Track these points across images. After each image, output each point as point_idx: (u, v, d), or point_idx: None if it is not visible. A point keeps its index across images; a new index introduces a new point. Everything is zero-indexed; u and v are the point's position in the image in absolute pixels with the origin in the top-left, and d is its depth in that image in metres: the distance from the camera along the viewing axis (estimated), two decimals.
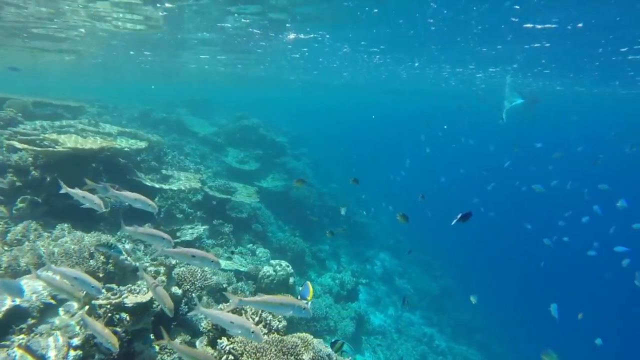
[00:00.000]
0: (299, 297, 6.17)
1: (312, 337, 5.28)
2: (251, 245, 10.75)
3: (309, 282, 6.27)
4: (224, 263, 8.31)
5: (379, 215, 26.14)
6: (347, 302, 12.85)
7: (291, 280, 8.46)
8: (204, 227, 9.49)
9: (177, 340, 5.11)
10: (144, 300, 4.39)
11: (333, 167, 29.48)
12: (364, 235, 20.56)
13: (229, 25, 14.33)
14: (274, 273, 8.02)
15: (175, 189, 9.18)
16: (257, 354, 4.11)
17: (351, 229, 19.94)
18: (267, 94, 59.65)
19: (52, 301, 4.68)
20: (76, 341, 4.06)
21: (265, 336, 4.54)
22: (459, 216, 6.29)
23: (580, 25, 11.69)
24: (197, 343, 4.74)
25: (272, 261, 8.53)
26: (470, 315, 19.92)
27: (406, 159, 25.16)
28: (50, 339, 4.08)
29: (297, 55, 21.36)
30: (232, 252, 10.24)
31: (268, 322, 4.92)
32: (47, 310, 4.57)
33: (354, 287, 13.25)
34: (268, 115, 27.50)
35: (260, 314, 5.01)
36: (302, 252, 13.92)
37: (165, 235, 4.59)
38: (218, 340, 4.54)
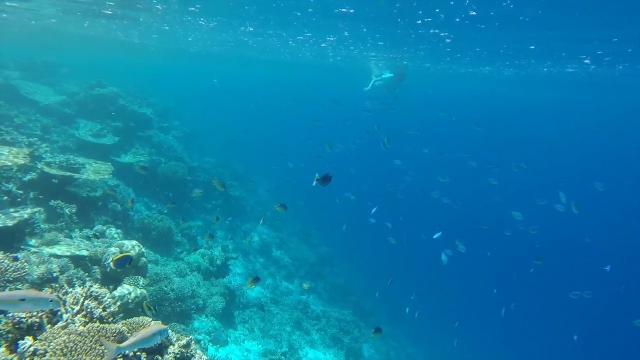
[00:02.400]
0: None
1: (149, 320, 4.82)
2: (102, 226, 9.59)
3: (125, 255, 5.84)
4: (58, 250, 7.21)
5: (256, 188, 25.93)
6: (218, 278, 12.47)
7: (143, 260, 7.75)
8: (35, 209, 8.11)
9: None
10: None
11: (209, 141, 28.22)
12: (240, 209, 20.18)
13: None
14: (121, 255, 7.22)
15: None
16: (66, 350, 3.53)
17: (227, 203, 19.40)
18: (129, 60, 54.09)
19: None
20: None
21: (82, 327, 3.95)
22: (317, 176, 6.09)
23: None
24: None
25: (119, 242, 7.68)
26: (346, 279, 21.20)
27: (280, 132, 25.24)
28: None
29: (109, 12, 19.66)
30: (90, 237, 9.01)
31: (90, 310, 4.32)
32: None
33: (224, 262, 12.89)
34: (132, 85, 24.86)
35: (82, 303, 4.37)
36: (170, 230, 13.02)
37: None
38: (19, 342, 3.81)
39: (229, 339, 11.44)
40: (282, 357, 11.20)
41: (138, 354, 4.36)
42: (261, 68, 44.06)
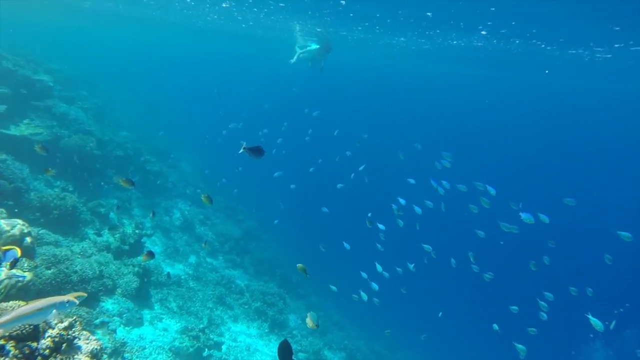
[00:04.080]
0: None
1: (19, 304, 4.30)
2: None
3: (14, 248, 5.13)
4: None
5: (179, 163, 24.79)
6: (131, 257, 11.75)
7: (28, 241, 6.96)
8: None
9: None
10: None
11: (126, 114, 26.24)
12: (159, 185, 19.13)
13: None
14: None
15: None
16: None
17: (144, 179, 18.25)
18: (18, 19, 47.72)
19: None
20: None
21: None
22: (243, 145, 5.80)
23: None
24: None
25: None
26: (273, 253, 21.16)
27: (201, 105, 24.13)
28: None
29: None
30: None
31: None
32: None
33: (138, 240, 12.15)
34: (28, 48, 22.08)
35: None
36: (75, 208, 11.93)
37: None
38: None
39: (143, 319, 10.90)
40: (200, 333, 10.91)
41: (2, 343, 3.88)
42: (177, 35, 41.51)
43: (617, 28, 14.54)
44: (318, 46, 23.65)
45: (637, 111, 36.18)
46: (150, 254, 8.13)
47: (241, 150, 5.79)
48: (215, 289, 14.58)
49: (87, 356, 4.36)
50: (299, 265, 7.47)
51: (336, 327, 18.17)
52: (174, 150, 26.79)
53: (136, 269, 11.27)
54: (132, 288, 10.79)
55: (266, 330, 14.09)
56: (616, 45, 16.71)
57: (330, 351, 15.98)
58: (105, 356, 7.92)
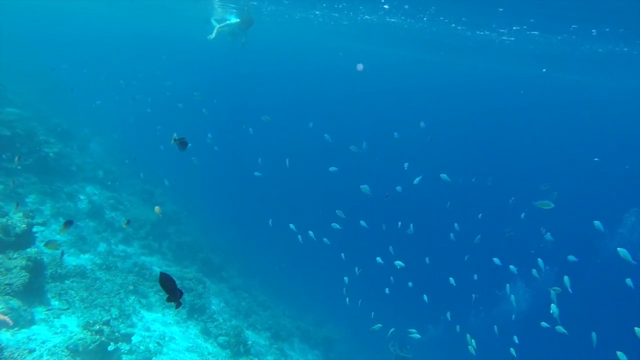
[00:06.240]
0: None
1: None
2: None
3: None
4: None
5: (88, 144, 22.67)
6: (17, 249, 10.40)
7: None
8: None
9: None
10: None
11: (17, 89, 23.29)
12: (61, 168, 17.29)
13: None
14: None
15: None
16: None
17: (41, 162, 16.34)
18: None
19: None
20: None
21: None
22: (174, 136, 5.80)
23: None
24: None
25: None
26: (194, 237, 20.25)
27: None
28: None
29: None
30: None
31: None
32: None
33: (27, 230, 10.79)
34: None
35: None
36: None
37: None
38: None
39: (35, 318, 9.76)
40: (104, 326, 10.00)
41: None
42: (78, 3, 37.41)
43: (501, 9, 14.74)
44: (238, 20, 22.41)
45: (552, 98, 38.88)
46: (69, 224, 8.00)
47: (172, 142, 5.83)
48: (127, 277, 13.56)
49: None
50: (156, 207, 7.64)
51: (261, 308, 17.96)
52: (82, 131, 24.43)
53: (25, 262, 9.97)
54: (20, 284, 9.53)
55: (184, 317, 13.44)
56: (515, 28, 17.33)
57: (254, 332, 15.75)
58: None
